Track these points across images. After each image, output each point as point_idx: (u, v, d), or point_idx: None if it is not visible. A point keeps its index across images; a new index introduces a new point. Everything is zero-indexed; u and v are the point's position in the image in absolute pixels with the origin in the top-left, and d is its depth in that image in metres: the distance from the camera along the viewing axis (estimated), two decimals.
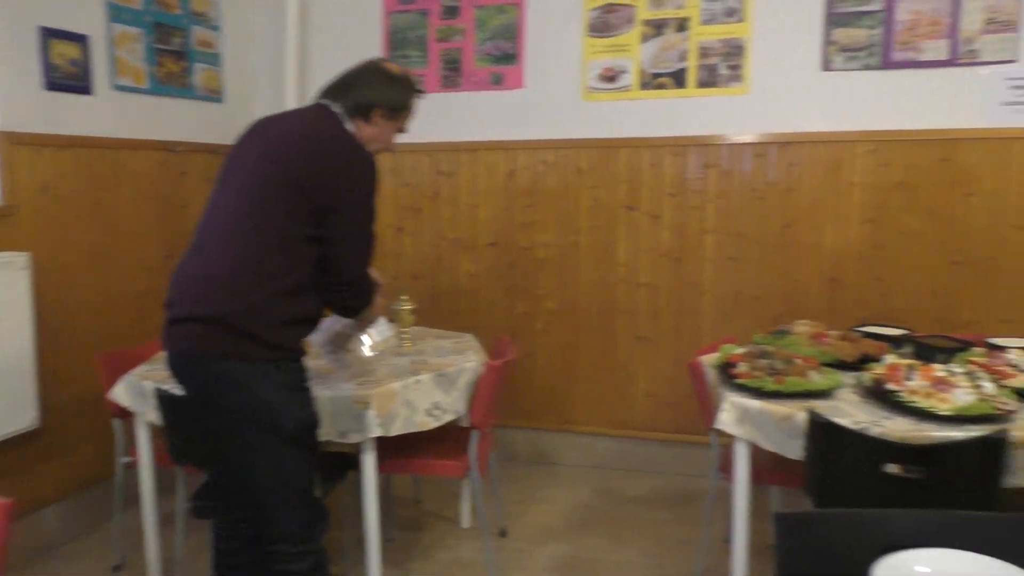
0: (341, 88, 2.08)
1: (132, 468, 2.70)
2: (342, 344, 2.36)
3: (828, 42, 3.34)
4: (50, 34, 2.95)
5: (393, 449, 2.53)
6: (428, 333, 3.08)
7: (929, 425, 1.90)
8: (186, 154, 3.60)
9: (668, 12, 3.52)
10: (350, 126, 2.04)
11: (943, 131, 3.24)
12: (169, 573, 2.77)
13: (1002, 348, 2.34)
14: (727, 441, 2.27)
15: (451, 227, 3.91)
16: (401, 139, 2.23)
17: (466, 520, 3.25)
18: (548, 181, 3.76)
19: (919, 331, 2.84)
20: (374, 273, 2.18)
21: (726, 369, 2.28)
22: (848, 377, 2.26)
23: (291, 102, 3.80)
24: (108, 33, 3.20)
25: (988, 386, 1.99)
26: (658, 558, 2.96)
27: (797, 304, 3.46)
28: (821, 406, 2.00)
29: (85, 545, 3.07)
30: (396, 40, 3.88)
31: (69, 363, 3.06)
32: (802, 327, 2.62)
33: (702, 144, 3.54)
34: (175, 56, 3.56)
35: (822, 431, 1.93)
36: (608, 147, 3.66)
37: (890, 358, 2.21)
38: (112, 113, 3.24)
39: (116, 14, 3.23)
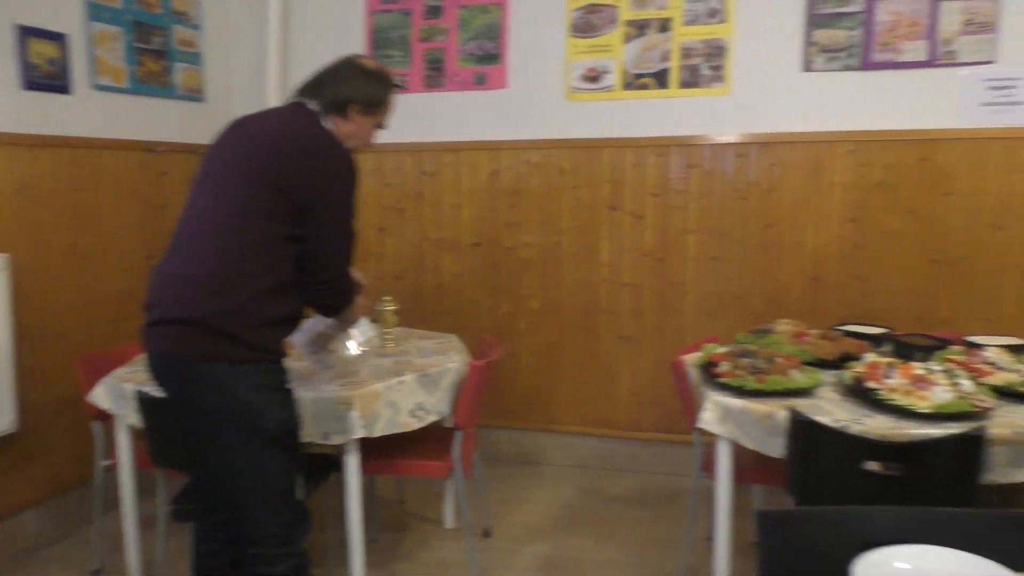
0: (317, 85, 2.07)
1: (112, 471, 2.67)
2: (324, 345, 2.35)
3: (809, 43, 3.36)
4: (28, 32, 2.91)
5: (376, 450, 2.52)
6: (411, 334, 3.07)
7: (908, 423, 1.92)
8: (167, 154, 3.57)
9: (651, 13, 3.53)
10: (328, 123, 2.03)
11: (922, 131, 3.27)
12: None
13: (979, 346, 2.37)
14: (710, 440, 2.29)
15: (434, 227, 3.91)
16: (383, 139, 2.23)
17: (450, 520, 3.25)
18: (531, 181, 3.76)
19: (899, 330, 2.87)
20: (356, 273, 2.17)
21: (708, 368, 2.29)
22: (829, 375, 2.28)
23: (273, 102, 3.77)
24: (87, 32, 3.17)
25: (966, 384, 2.02)
26: (642, 557, 2.97)
27: (779, 303, 3.48)
28: (802, 404, 2.02)
29: (64, 549, 3.04)
30: (379, 40, 3.87)
31: (48, 365, 3.03)
32: (784, 326, 2.64)
33: (684, 144, 3.56)
34: (155, 55, 3.53)
35: (803, 429, 1.95)
36: (591, 147, 3.67)
37: (870, 356, 2.22)
38: (91, 113, 3.21)
39: (95, 13, 3.20)
